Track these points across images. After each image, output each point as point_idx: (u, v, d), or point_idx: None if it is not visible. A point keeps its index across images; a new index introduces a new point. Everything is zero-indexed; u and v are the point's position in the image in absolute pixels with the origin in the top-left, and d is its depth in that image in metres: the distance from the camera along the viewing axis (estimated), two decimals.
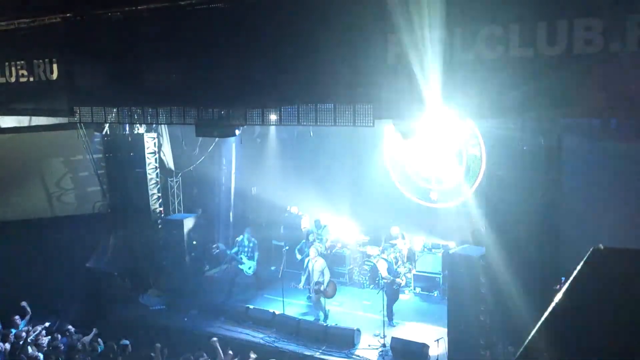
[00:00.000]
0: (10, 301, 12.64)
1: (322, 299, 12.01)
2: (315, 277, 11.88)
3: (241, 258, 13.43)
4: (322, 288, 11.82)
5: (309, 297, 12.75)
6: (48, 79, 10.86)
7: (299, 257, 13.13)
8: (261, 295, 13.54)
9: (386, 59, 7.23)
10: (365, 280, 13.63)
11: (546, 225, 8.93)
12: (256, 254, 13.54)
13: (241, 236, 13.71)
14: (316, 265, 11.93)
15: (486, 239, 9.92)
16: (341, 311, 12.47)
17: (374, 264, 13.53)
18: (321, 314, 12.09)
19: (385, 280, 11.69)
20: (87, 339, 10.70)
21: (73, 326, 11.25)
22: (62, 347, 10.41)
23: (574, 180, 8.85)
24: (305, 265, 12.28)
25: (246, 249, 13.46)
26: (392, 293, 11.77)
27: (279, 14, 8.18)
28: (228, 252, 13.90)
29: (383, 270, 11.83)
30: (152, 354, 10.12)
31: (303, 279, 12.17)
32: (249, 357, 10.13)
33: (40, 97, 11.30)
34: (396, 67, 7.17)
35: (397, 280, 11.79)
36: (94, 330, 10.94)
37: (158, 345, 10.26)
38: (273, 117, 9.33)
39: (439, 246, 13.37)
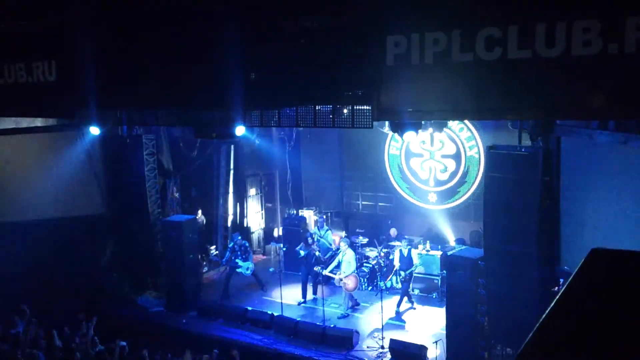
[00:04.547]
0: (9, 301, 12.62)
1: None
2: (343, 268, 12.39)
3: (237, 262, 13.48)
4: (343, 280, 12.42)
5: (299, 303, 12.98)
6: (47, 80, 10.83)
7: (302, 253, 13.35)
8: (260, 297, 13.55)
9: (385, 60, 7.23)
10: (364, 282, 13.61)
11: (544, 227, 8.94)
12: (250, 255, 13.76)
13: (232, 243, 13.87)
14: (346, 257, 12.49)
15: (484, 240, 9.93)
16: (339, 313, 12.45)
17: (372, 265, 13.58)
18: (349, 303, 12.54)
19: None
20: (90, 333, 10.67)
21: (70, 327, 11.22)
22: (60, 345, 10.39)
23: (573, 182, 8.86)
24: (335, 254, 13.04)
25: (239, 253, 13.56)
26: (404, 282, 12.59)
27: (277, 16, 8.19)
28: (222, 261, 14.25)
29: (396, 259, 12.69)
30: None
31: (331, 266, 12.63)
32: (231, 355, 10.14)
33: (38, 99, 11.28)
34: (395, 69, 7.17)
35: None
36: (94, 318, 10.91)
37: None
38: (272, 118, 9.34)
39: (437, 248, 13.38)
